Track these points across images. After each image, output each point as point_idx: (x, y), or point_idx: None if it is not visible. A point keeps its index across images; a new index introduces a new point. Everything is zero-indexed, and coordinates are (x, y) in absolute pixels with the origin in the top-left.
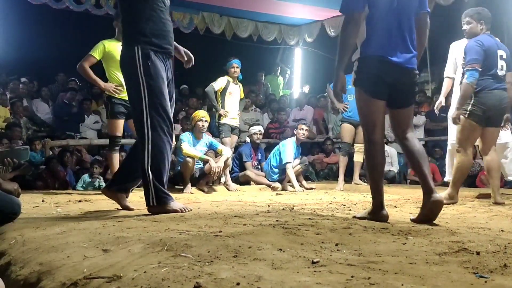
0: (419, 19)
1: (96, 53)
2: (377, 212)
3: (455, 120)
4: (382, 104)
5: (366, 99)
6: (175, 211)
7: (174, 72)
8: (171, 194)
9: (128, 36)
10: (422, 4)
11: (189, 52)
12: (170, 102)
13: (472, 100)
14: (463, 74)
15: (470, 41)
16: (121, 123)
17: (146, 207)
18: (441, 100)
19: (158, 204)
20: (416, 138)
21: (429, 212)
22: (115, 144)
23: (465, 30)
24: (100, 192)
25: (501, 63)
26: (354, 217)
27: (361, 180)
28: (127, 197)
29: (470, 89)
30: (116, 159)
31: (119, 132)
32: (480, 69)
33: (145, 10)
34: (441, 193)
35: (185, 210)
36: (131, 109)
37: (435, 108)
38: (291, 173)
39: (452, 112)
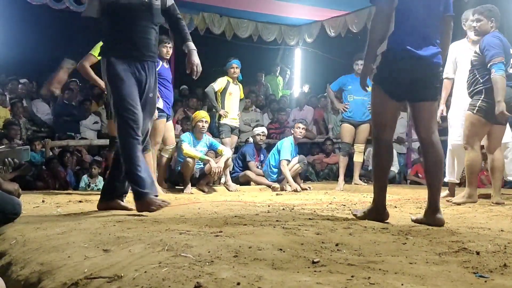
0: (444, 21)
1: (96, 52)
2: (380, 212)
3: (502, 116)
4: (397, 106)
5: (382, 97)
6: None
7: (174, 73)
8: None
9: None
10: (447, 7)
11: (194, 65)
12: (146, 105)
13: (482, 96)
14: (471, 72)
15: (487, 37)
16: None
17: None
18: (442, 108)
19: (137, 200)
20: (440, 144)
21: (428, 223)
22: (115, 145)
23: (475, 27)
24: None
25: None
26: (354, 215)
27: (361, 180)
28: (123, 200)
29: (503, 80)
30: None
31: None
32: (505, 62)
33: (106, 24)
34: (460, 193)
35: (163, 205)
36: None
37: (437, 117)
38: (285, 170)
39: (452, 113)
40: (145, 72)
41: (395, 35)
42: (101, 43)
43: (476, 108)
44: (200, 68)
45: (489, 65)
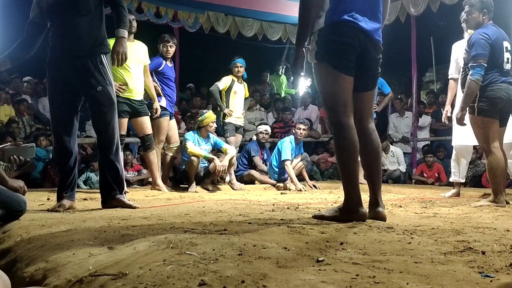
0: None
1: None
2: (355, 210)
3: (460, 121)
4: (351, 81)
5: (333, 75)
6: None
7: (178, 71)
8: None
9: None
10: None
11: (115, 53)
12: (95, 99)
13: (478, 96)
14: (464, 70)
15: (475, 34)
16: (125, 122)
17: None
18: (448, 109)
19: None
20: (376, 132)
21: (373, 218)
22: (122, 142)
23: (466, 20)
24: None
25: (506, 55)
26: (314, 216)
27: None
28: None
29: (475, 86)
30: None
31: (123, 131)
32: (485, 65)
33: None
34: (487, 198)
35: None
36: None
37: (443, 118)
38: (290, 170)
39: (456, 112)
40: (75, 70)
41: (334, 9)
42: (113, 39)
43: (476, 110)
44: (123, 56)
45: (469, 65)
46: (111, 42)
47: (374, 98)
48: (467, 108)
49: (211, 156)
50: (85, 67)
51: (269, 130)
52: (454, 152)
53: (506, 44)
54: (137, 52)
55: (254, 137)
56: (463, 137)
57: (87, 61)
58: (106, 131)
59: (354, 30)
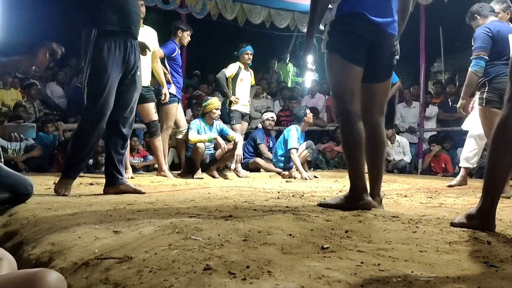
0: None
1: None
2: (360, 198)
3: (460, 111)
4: (360, 71)
5: (342, 65)
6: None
7: (185, 59)
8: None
9: None
10: None
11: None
12: (134, 83)
13: (487, 88)
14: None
15: (478, 29)
16: None
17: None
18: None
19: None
20: (383, 127)
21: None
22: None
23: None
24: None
25: None
26: (320, 204)
27: None
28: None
29: (474, 77)
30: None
31: None
32: (486, 57)
33: None
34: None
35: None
36: None
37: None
38: (296, 158)
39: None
40: (133, 50)
41: (345, 1)
42: None
43: (484, 100)
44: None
45: (470, 58)
46: None
47: (386, 91)
48: (478, 100)
49: (213, 136)
50: (136, 48)
51: (275, 117)
52: (468, 138)
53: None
54: (146, 38)
55: (260, 125)
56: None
57: (136, 42)
58: (131, 115)
59: (364, 22)
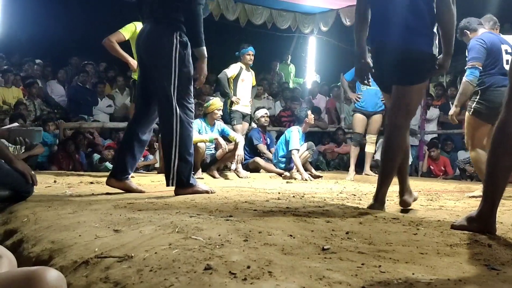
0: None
1: (126, 32)
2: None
3: (452, 118)
4: (387, 97)
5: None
6: (205, 191)
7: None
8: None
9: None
10: None
11: (200, 72)
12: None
13: (478, 97)
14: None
15: (471, 40)
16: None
17: (169, 189)
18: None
19: (179, 185)
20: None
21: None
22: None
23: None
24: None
25: (506, 57)
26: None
27: (372, 171)
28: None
29: (469, 87)
30: None
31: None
32: (480, 68)
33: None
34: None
35: (211, 191)
36: (154, 90)
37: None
38: (297, 159)
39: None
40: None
41: (370, 29)
42: (131, 24)
43: (472, 109)
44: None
45: (465, 68)
46: (141, 25)
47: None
48: (468, 105)
49: (213, 136)
50: None
51: (268, 112)
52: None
53: (505, 47)
54: None
55: (254, 124)
56: None
57: None
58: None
59: (378, 44)
